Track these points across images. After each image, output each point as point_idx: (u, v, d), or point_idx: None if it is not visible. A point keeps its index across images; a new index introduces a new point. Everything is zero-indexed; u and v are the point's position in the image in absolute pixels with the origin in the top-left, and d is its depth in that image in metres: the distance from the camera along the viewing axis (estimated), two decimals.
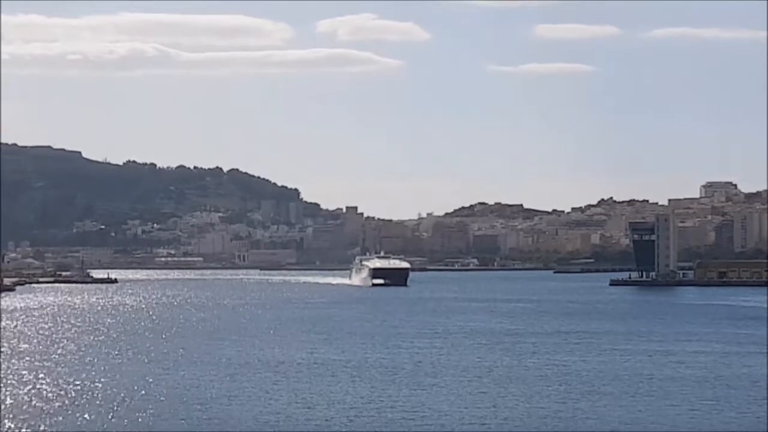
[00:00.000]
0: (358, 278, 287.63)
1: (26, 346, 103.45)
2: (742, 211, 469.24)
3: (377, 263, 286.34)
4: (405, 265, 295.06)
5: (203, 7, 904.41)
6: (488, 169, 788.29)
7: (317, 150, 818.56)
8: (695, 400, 66.82)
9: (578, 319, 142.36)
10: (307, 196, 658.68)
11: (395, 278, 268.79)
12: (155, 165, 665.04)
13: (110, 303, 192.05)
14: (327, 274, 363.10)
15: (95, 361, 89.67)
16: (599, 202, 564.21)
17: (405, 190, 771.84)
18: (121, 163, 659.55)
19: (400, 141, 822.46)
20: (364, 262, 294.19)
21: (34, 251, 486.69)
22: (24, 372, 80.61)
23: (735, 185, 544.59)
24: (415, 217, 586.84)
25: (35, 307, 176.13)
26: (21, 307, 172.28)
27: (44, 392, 69.71)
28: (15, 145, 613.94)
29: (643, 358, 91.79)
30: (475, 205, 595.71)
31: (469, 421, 58.90)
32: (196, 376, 78.45)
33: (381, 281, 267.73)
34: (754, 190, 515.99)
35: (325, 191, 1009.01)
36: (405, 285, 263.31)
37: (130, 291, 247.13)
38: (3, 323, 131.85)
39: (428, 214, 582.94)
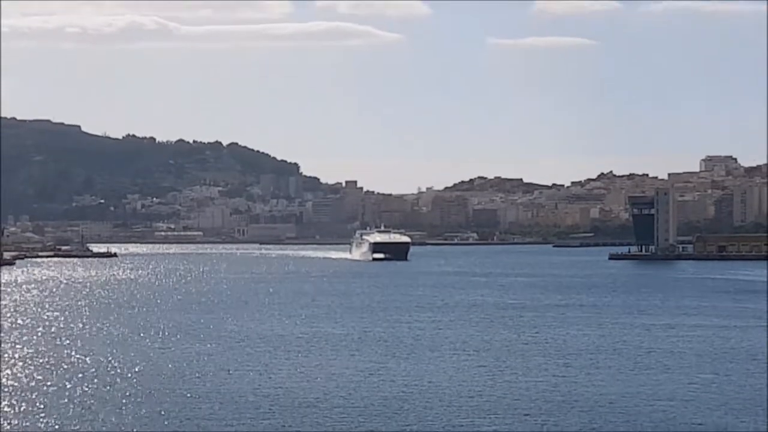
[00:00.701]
0: (358, 252, 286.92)
1: (26, 320, 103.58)
2: (741, 185, 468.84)
3: (377, 237, 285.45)
4: (405, 239, 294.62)
5: None
6: (488, 143, 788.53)
7: (317, 124, 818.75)
8: (694, 374, 66.91)
9: (577, 293, 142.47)
10: (306, 170, 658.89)
11: (396, 252, 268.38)
12: (154, 139, 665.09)
13: (110, 277, 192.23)
14: (327, 248, 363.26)
15: (95, 334, 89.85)
16: (599, 176, 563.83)
17: (404, 164, 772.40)
18: (120, 137, 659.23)
19: (399, 115, 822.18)
20: (365, 237, 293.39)
21: (33, 225, 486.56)
22: (24, 346, 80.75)
23: (735, 159, 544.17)
24: (415, 192, 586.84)
25: (35, 281, 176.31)
26: (21, 282, 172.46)
27: (44, 366, 69.81)
28: (14, 118, 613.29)
29: (642, 331, 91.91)
30: (475, 179, 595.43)
31: (467, 394, 59.00)
32: (196, 350, 78.60)
33: (381, 256, 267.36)
34: (754, 164, 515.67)
35: (324, 165, 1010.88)
36: (405, 259, 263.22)
37: (129, 265, 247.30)
38: (3, 297, 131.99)
39: (428, 189, 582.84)
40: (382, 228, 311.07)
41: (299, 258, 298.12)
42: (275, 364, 70.79)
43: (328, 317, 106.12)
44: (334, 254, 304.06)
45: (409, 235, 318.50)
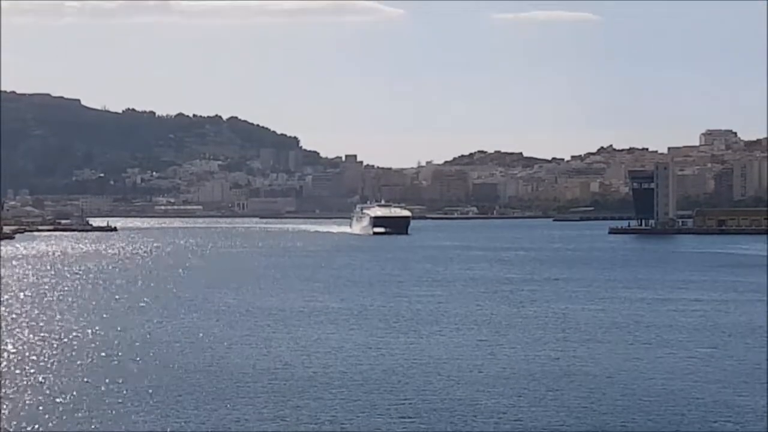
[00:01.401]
0: (358, 227, 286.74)
1: (26, 294, 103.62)
2: (741, 159, 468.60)
3: (378, 212, 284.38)
4: (406, 213, 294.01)
5: None
6: (488, 117, 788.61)
7: (317, 98, 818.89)
8: (693, 348, 66.92)
9: (577, 267, 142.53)
10: (306, 144, 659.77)
11: (396, 227, 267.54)
12: (154, 113, 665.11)
13: (110, 251, 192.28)
14: (327, 222, 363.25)
15: (94, 308, 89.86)
16: (599, 150, 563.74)
17: (404, 138, 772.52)
18: (120, 111, 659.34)
19: (401, 89, 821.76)
20: (365, 211, 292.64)
21: (33, 199, 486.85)
22: (24, 320, 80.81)
23: (735, 133, 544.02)
24: (415, 166, 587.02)
25: (35, 255, 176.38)
26: (21, 255, 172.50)
27: (44, 340, 69.86)
28: (14, 92, 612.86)
29: (642, 305, 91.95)
30: (475, 153, 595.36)
31: (467, 368, 59.04)
32: (195, 324, 78.62)
33: (382, 230, 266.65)
34: (754, 138, 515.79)
35: (324, 139, 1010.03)
36: (406, 233, 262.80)
37: (129, 239, 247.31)
38: (3, 271, 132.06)
39: (427, 163, 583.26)
40: (383, 202, 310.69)
41: (299, 232, 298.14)
42: (274, 338, 70.81)
43: (328, 291, 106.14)
44: (335, 228, 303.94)
45: (409, 209, 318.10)
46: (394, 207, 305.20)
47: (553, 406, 49.45)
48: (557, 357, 63.08)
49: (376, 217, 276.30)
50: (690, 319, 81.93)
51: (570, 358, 62.57)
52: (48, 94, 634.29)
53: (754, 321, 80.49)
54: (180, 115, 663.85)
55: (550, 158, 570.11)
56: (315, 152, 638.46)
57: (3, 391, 51.93)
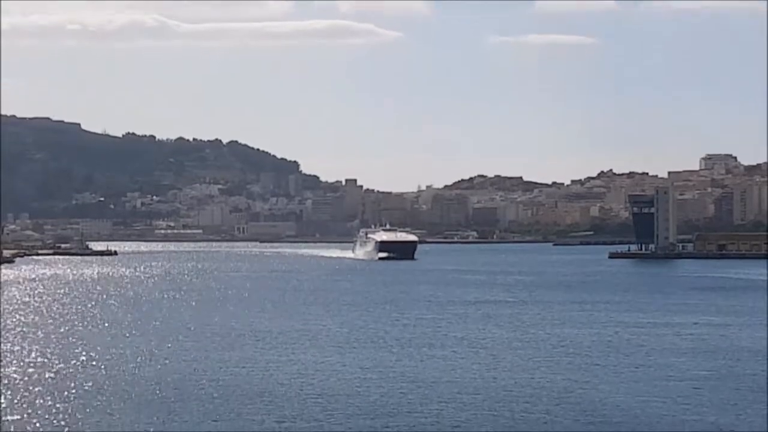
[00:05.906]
0: (362, 251, 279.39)
1: (26, 318, 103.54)
2: (741, 183, 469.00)
3: (384, 236, 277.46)
4: (412, 238, 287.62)
5: None
6: (488, 142, 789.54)
7: (317, 122, 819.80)
8: (693, 372, 66.83)
9: (577, 292, 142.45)
10: (306, 168, 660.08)
11: (403, 252, 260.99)
12: (154, 137, 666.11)
13: (109, 275, 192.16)
14: (327, 246, 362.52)
15: (94, 332, 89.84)
16: (599, 174, 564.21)
17: (404, 162, 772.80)
18: (120, 135, 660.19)
19: (399, 113, 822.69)
20: (370, 235, 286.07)
21: (33, 223, 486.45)
22: (23, 344, 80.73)
23: (735, 157, 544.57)
24: (415, 190, 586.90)
25: (35, 278, 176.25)
26: (20, 279, 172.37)
27: (43, 364, 69.77)
28: (14, 116, 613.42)
29: (642, 330, 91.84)
30: (475, 177, 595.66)
31: (465, 391, 58.94)
32: (194, 346, 78.51)
33: (387, 254, 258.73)
34: (754, 163, 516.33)
35: (324, 163, 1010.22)
36: (412, 258, 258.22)
37: (129, 263, 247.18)
38: (3, 295, 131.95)
39: (427, 187, 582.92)
40: (387, 226, 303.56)
41: (299, 256, 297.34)
42: (272, 361, 70.72)
43: (327, 314, 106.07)
44: (337, 253, 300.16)
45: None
46: (400, 231, 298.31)
47: (550, 429, 49.36)
48: (555, 380, 62.98)
49: (381, 242, 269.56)
50: (689, 343, 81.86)
51: (568, 382, 62.47)
52: (48, 118, 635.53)
53: (754, 345, 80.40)
54: (180, 139, 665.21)
55: (550, 183, 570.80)
56: (315, 176, 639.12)
57: (3, 414, 51.86)
